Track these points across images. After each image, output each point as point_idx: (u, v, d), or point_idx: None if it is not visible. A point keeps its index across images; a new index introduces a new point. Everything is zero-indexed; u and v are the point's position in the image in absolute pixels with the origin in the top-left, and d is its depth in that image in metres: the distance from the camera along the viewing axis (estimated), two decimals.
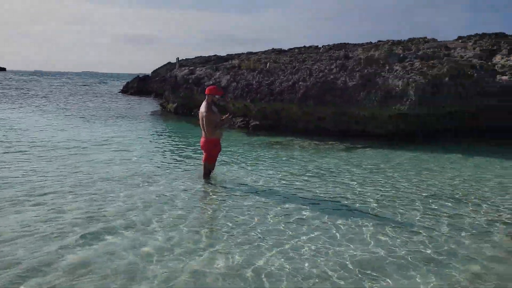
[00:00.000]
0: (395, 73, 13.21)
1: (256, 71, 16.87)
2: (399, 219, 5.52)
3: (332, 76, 14.10)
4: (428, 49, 15.55)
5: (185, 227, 4.95)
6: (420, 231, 5.04)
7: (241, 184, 7.15)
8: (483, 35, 17.29)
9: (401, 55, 14.51)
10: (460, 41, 17.56)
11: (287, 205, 5.96)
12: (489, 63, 13.36)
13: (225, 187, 6.90)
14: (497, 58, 13.65)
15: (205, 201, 6.19)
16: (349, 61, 15.25)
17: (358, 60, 14.70)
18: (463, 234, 5.01)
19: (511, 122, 13.02)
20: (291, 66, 16.24)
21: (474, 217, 5.65)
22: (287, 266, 3.99)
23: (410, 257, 4.28)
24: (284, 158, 9.83)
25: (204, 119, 6.84)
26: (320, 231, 4.96)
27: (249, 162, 9.23)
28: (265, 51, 25.74)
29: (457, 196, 6.74)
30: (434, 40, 18.19)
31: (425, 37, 18.84)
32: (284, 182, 7.42)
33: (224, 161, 8.99)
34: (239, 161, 9.22)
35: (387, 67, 13.88)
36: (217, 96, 7.04)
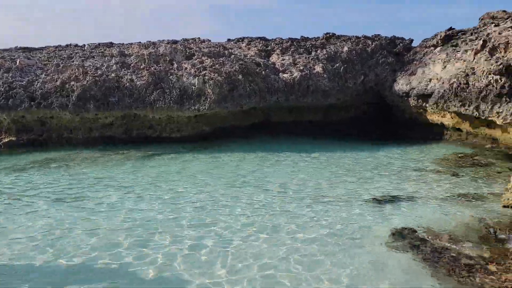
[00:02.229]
0: (186, 71, 11.99)
1: (1, 70, 12.49)
2: None
3: (113, 74, 11.66)
4: (210, 47, 15.06)
5: None
6: None
7: None
8: (251, 38, 18.21)
9: (188, 52, 13.41)
10: (232, 42, 17.98)
11: None
12: (269, 61, 13.86)
13: None
14: (274, 58, 14.33)
15: None
16: (130, 58, 13.09)
17: (141, 56, 12.74)
18: None
19: (291, 118, 13.98)
20: (53, 64, 12.71)
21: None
22: None
23: None
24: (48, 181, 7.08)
25: None
26: None
27: None
28: (7, 49, 20.16)
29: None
30: (209, 40, 18.03)
31: (199, 38, 18.52)
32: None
33: None
34: None
35: (175, 65, 12.52)
36: None
